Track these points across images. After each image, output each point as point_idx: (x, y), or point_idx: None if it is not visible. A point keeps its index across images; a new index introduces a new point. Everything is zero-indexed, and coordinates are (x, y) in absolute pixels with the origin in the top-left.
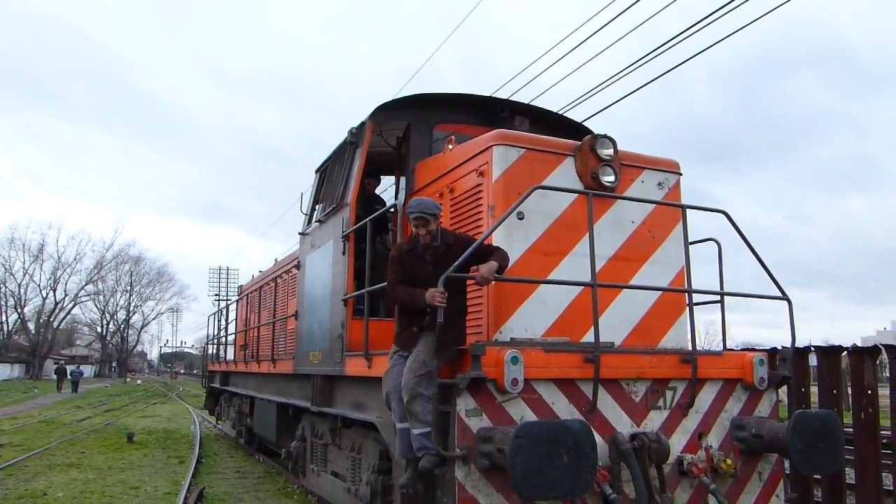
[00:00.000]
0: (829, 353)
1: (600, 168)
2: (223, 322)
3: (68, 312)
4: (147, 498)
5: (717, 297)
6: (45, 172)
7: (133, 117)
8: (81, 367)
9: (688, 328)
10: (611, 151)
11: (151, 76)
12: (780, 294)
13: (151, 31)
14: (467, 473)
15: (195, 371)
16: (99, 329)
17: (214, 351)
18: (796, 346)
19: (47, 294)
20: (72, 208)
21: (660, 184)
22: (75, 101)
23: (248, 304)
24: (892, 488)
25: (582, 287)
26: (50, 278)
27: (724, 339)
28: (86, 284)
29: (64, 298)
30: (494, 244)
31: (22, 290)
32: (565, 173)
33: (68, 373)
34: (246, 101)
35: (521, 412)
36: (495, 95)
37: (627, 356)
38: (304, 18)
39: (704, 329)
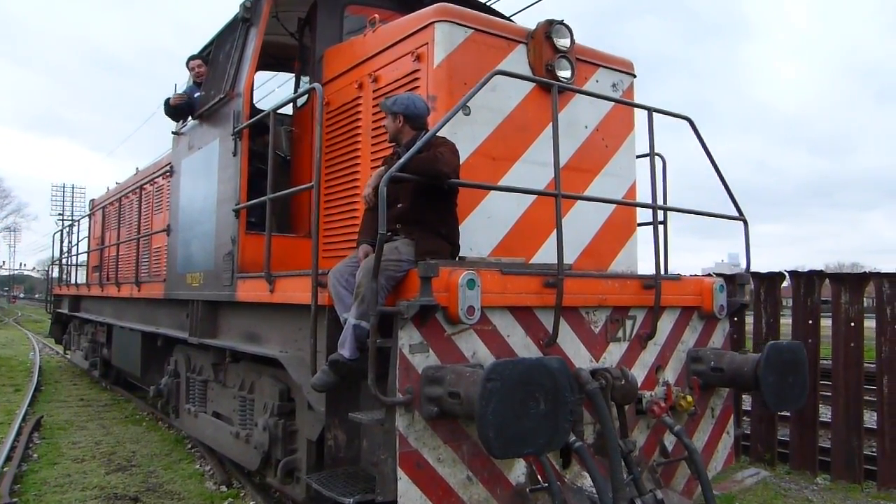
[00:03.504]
0: (806, 279)
1: (556, 60)
2: (73, 241)
3: None
4: None
5: (661, 218)
6: None
7: None
8: None
9: (637, 250)
10: (567, 42)
11: None
12: (736, 214)
13: None
14: (410, 423)
15: (37, 295)
16: None
17: (62, 274)
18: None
19: None
20: None
21: (614, 85)
22: None
23: (103, 219)
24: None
25: (531, 200)
26: None
27: (664, 262)
28: None
29: None
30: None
31: None
32: (516, 63)
33: None
34: (79, 5)
35: (473, 346)
36: None
37: (587, 281)
38: None
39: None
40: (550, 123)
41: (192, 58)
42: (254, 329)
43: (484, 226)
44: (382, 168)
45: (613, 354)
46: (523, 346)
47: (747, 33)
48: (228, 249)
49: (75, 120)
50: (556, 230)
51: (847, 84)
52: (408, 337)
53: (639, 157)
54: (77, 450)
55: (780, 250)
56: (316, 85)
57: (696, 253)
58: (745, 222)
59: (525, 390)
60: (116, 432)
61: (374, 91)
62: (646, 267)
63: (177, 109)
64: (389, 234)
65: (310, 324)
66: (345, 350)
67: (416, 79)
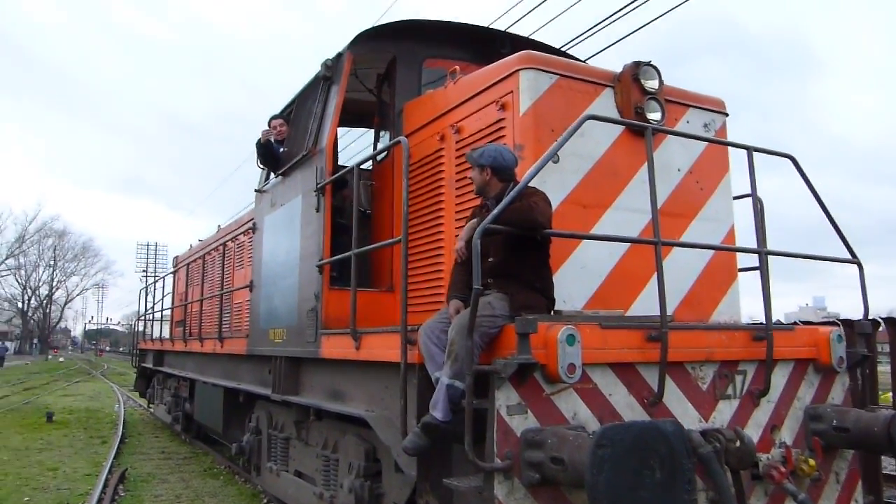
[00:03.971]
0: None
1: (645, 102)
2: (156, 296)
3: None
4: (66, 479)
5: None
6: None
7: (45, 87)
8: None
9: (740, 298)
10: (656, 83)
11: (62, 46)
12: (849, 257)
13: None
14: (510, 490)
15: (121, 349)
16: (20, 304)
17: (146, 328)
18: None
19: None
20: None
21: (706, 125)
22: None
23: (186, 276)
24: None
25: (625, 248)
26: None
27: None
28: (6, 258)
29: None
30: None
31: None
32: (604, 107)
33: None
34: (161, 75)
35: (574, 407)
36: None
37: (692, 333)
38: None
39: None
40: (642, 168)
41: (273, 118)
42: (338, 386)
43: (577, 277)
44: (474, 221)
45: (724, 413)
46: (626, 405)
47: (818, 69)
48: (312, 305)
49: (157, 181)
50: (656, 279)
51: None
52: (505, 398)
53: (735, 198)
54: (159, 503)
55: (870, 292)
56: (402, 138)
57: (778, 297)
58: (860, 265)
59: (639, 457)
60: (196, 486)
61: (456, 142)
62: (745, 314)
63: (266, 148)
64: (482, 288)
65: (398, 382)
66: (438, 412)
67: (502, 128)
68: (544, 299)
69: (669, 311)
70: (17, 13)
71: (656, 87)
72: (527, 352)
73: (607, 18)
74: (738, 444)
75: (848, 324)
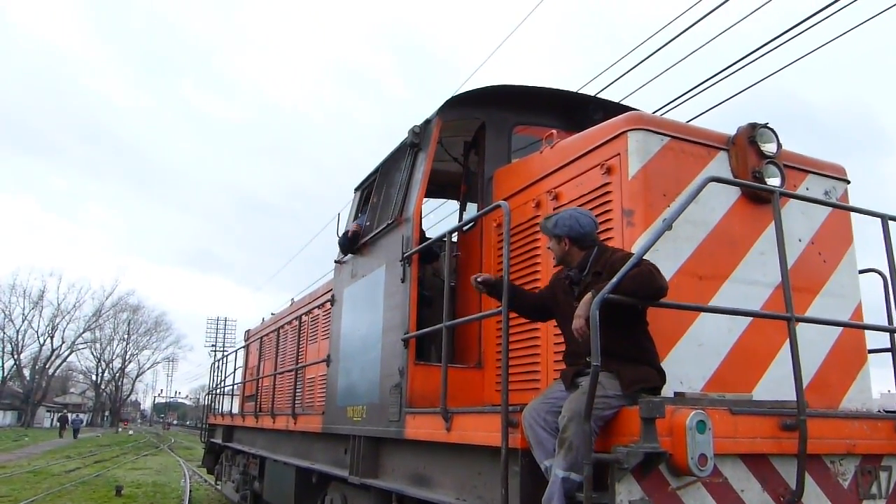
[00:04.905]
0: None
1: (763, 166)
2: (227, 370)
3: (64, 360)
4: None
5: (889, 348)
6: (41, 221)
7: (123, 168)
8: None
9: (871, 383)
10: (774, 147)
11: (140, 128)
12: None
13: (140, 84)
14: None
15: (188, 422)
16: (94, 377)
17: (215, 403)
18: None
19: (45, 341)
20: (69, 255)
21: (826, 193)
22: (67, 152)
23: (259, 349)
24: None
25: (746, 325)
26: (48, 325)
27: None
28: (84, 332)
29: (61, 346)
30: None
31: (20, 337)
32: (718, 171)
33: (69, 420)
34: (232, 155)
35: None
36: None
37: (831, 422)
38: (287, 76)
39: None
40: (760, 238)
41: (356, 188)
42: (422, 471)
43: (694, 355)
44: (590, 295)
45: None
46: (760, 503)
47: (888, 144)
48: (396, 381)
49: (226, 257)
50: (780, 360)
51: None
52: (627, 491)
53: (861, 272)
54: None
55: None
56: (502, 202)
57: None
58: None
59: None
60: None
61: (554, 209)
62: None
63: (354, 239)
64: (600, 366)
65: (493, 468)
66: None
67: (608, 192)
68: (655, 372)
69: (792, 397)
70: (99, 97)
71: (774, 151)
72: (653, 439)
73: (687, 93)
74: None
75: None
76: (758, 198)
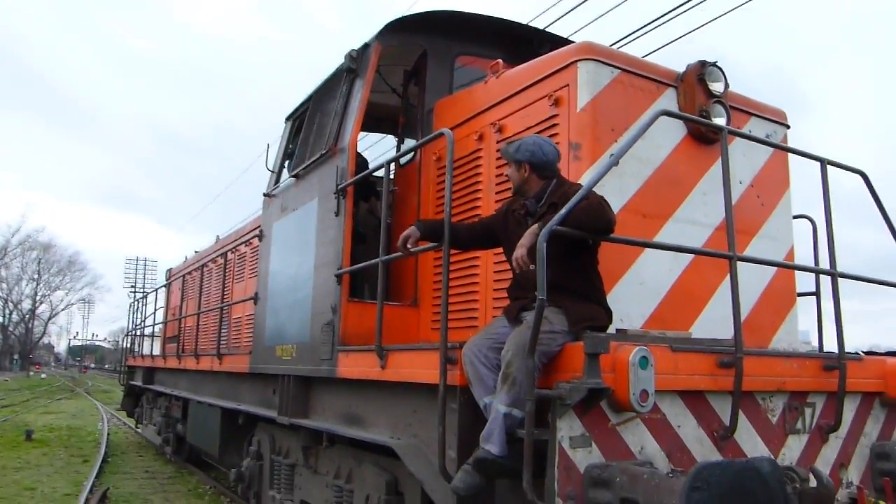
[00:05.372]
0: None
1: (711, 105)
2: (147, 312)
3: None
4: (44, 499)
5: (815, 291)
6: None
7: (31, 100)
8: None
9: (798, 325)
10: (721, 86)
11: (50, 59)
12: None
13: (50, 12)
14: None
15: (107, 366)
16: (0, 319)
17: (134, 345)
18: None
19: None
20: None
21: (768, 136)
22: None
23: (182, 288)
24: None
25: (686, 265)
26: None
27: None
28: None
29: None
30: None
31: None
32: (667, 108)
33: None
34: (154, 90)
35: (641, 440)
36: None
37: (764, 360)
38: (213, 7)
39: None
40: (703, 178)
41: (288, 118)
42: (355, 410)
43: (636, 294)
44: (537, 226)
45: (793, 450)
46: (696, 439)
47: (805, 111)
48: (328, 319)
49: (146, 196)
50: (717, 300)
51: None
52: (568, 428)
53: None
54: None
55: (850, 328)
56: (445, 130)
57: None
58: None
59: (737, 502)
60: None
61: (498, 142)
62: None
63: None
64: (545, 299)
65: (430, 407)
66: (493, 445)
67: (555, 125)
68: (603, 311)
69: (727, 336)
70: (5, 25)
71: (721, 91)
72: (597, 375)
73: (634, 33)
74: (814, 485)
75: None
76: (703, 137)
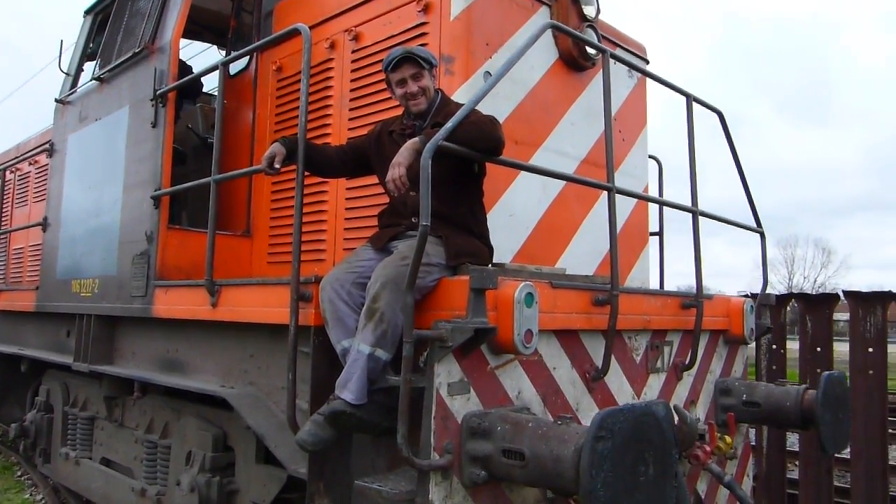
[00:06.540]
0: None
1: (584, 30)
2: None
3: None
4: None
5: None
6: None
7: None
8: None
9: (650, 262)
10: (594, 10)
11: None
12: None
13: None
14: (448, 494)
15: None
16: None
17: None
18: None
19: None
20: None
21: (630, 71)
22: None
23: None
24: None
25: (554, 198)
26: None
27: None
28: None
29: None
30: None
31: None
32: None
33: None
34: None
35: (518, 384)
36: None
37: (632, 298)
38: None
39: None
40: (571, 107)
41: (89, 11)
42: (175, 355)
43: (505, 226)
44: (416, 140)
45: (653, 389)
46: (569, 381)
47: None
48: (142, 249)
49: None
50: (583, 235)
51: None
52: (446, 373)
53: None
54: None
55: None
56: (300, 25)
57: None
58: (763, 235)
59: (636, 450)
60: None
61: (353, 52)
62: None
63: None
64: (428, 225)
65: (269, 350)
66: (349, 393)
67: (424, 34)
68: (486, 247)
69: (591, 272)
70: None
71: (594, 15)
72: (482, 314)
73: None
74: (680, 424)
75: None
76: (574, 63)
